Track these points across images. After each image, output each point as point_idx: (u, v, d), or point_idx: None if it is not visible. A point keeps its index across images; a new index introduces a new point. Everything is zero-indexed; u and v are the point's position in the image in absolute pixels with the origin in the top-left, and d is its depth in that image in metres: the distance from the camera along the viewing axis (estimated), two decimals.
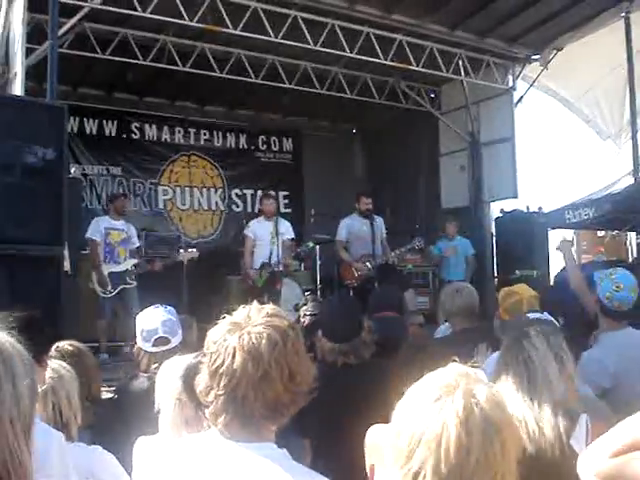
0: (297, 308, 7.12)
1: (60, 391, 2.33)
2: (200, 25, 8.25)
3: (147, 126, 11.56)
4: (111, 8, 7.72)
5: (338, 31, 8.92)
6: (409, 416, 1.21)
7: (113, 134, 11.22)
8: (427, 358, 2.42)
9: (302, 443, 2.85)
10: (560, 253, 4.39)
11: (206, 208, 12.07)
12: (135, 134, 11.45)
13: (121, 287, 7.68)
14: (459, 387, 1.20)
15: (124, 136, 11.32)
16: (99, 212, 8.67)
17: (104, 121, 11.10)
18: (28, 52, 6.41)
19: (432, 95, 11.87)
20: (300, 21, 8.65)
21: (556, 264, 9.92)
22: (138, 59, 9.18)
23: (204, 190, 12.07)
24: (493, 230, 10.91)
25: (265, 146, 12.69)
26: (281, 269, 7.95)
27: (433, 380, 1.23)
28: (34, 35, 7.00)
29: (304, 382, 1.57)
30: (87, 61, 9.31)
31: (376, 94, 11.07)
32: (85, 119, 10.87)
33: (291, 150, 12.95)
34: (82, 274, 7.69)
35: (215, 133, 12.21)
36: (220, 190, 12.20)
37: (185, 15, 7.97)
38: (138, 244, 8.26)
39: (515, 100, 10.78)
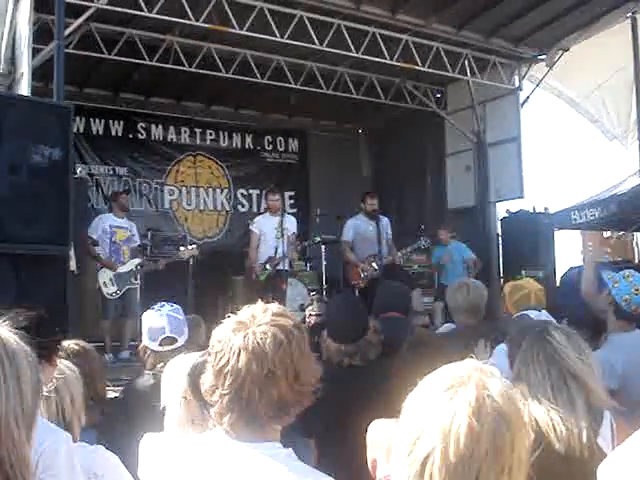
0: (303, 308, 7.15)
1: (64, 391, 2.32)
2: (206, 25, 8.25)
3: (153, 126, 11.56)
4: (117, 8, 7.73)
5: (344, 31, 8.91)
6: (420, 404, 1.21)
7: (119, 134, 11.23)
8: (430, 353, 2.39)
9: (307, 443, 2.85)
10: (582, 256, 4.36)
11: (212, 208, 12.06)
12: (141, 134, 11.46)
13: (126, 288, 7.69)
14: (472, 379, 1.19)
15: (130, 136, 11.33)
16: (105, 212, 8.65)
17: (110, 121, 11.10)
18: (34, 52, 6.40)
19: (438, 95, 11.83)
20: (306, 21, 8.64)
21: (562, 264, 9.93)
22: (144, 59, 9.19)
23: (210, 190, 12.07)
24: (499, 230, 10.88)
25: (271, 146, 12.68)
26: (286, 267, 7.94)
27: (446, 372, 1.23)
28: (40, 35, 7.02)
29: (309, 382, 1.56)
30: (93, 61, 9.35)
31: (382, 94, 11.06)
32: (91, 119, 10.87)
33: (297, 150, 12.94)
34: (87, 274, 7.71)
35: (221, 133, 12.20)
36: (226, 190, 12.19)
37: (191, 15, 7.98)
38: (139, 242, 8.27)
39: (521, 100, 10.76)
